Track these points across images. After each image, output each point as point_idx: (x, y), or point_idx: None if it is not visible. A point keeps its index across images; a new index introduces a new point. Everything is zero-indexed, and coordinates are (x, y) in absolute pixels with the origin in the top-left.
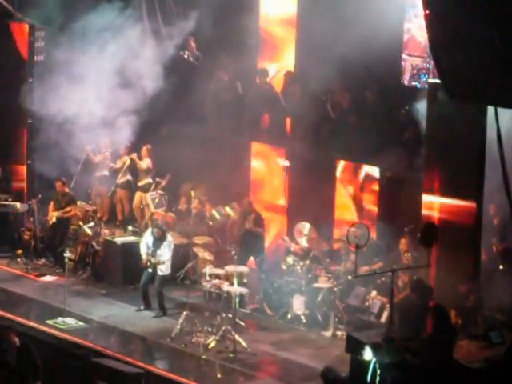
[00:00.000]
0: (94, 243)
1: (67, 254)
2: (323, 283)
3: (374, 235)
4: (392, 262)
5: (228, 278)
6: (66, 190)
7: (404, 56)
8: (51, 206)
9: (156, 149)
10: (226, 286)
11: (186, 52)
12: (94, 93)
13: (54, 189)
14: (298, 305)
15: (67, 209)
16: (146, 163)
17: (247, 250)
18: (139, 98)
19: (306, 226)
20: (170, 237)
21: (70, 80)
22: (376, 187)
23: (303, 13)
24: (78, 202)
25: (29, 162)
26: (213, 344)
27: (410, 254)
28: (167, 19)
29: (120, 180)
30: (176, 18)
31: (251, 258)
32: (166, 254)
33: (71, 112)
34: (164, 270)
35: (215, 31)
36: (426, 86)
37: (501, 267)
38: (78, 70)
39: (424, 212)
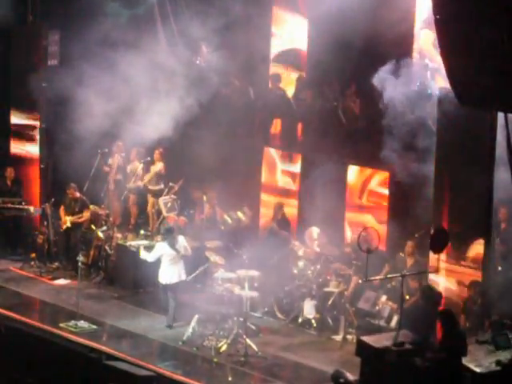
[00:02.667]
0: (106, 247)
1: (80, 258)
2: (334, 287)
3: (383, 242)
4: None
5: (239, 281)
6: (78, 195)
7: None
8: (62, 210)
9: (168, 153)
10: (237, 290)
11: (199, 57)
12: (107, 98)
13: (66, 193)
14: (309, 309)
15: (81, 215)
16: (158, 167)
17: (268, 252)
18: (152, 103)
19: (316, 231)
20: (181, 238)
21: (84, 84)
22: (386, 192)
23: (314, 17)
24: (91, 206)
25: (42, 165)
26: (224, 347)
27: (414, 258)
28: (180, 25)
29: (131, 185)
30: (189, 23)
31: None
32: (186, 248)
33: (85, 116)
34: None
35: (227, 36)
36: (437, 91)
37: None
38: (92, 74)
39: (434, 216)
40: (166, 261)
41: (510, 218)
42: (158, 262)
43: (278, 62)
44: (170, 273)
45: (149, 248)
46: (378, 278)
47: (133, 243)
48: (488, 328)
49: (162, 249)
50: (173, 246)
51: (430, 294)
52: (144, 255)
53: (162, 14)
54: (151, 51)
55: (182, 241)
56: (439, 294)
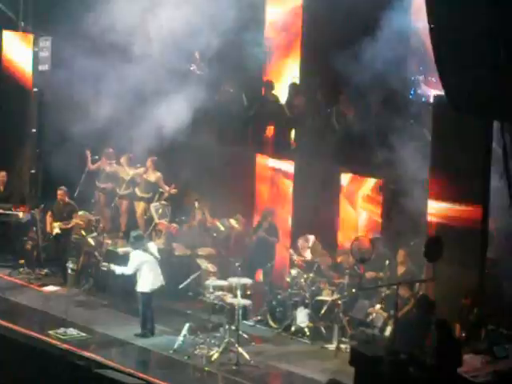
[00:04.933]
0: (96, 253)
1: (70, 265)
2: (327, 296)
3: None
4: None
5: (231, 289)
6: (67, 199)
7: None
8: (49, 215)
9: (160, 160)
10: (229, 298)
11: (192, 64)
12: (98, 103)
13: (56, 199)
14: (302, 317)
15: (70, 220)
16: (155, 177)
17: (257, 258)
18: (144, 110)
19: (309, 239)
20: (151, 244)
21: (76, 89)
22: (380, 199)
23: (309, 22)
24: (81, 212)
25: (32, 171)
26: (216, 356)
27: (405, 267)
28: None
29: (123, 191)
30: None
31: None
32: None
33: (76, 121)
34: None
35: (220, 43)
36: (432, 99)
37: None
38: (83, 78)
39: (429, 221)
40: (145, 268)
41: (503, 227)
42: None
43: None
44: (152, 279)
45: (119, 259)
46: (371, 287)
47: (123, 249)
48: (485, 338)
49: (139, 257)
50: (147, 251)
51: (426, 304)
52: (120, 270)
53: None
54: (143, 57)
55: (152, 246)
56: (433, 304)
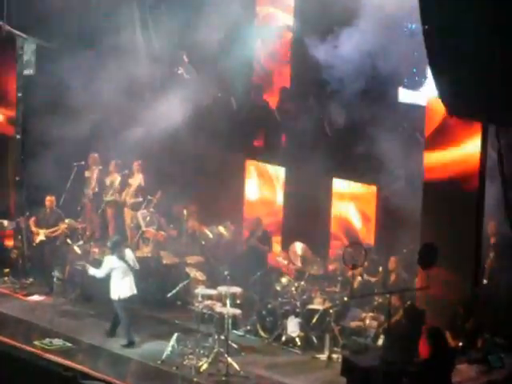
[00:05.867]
0: (82, 262)
1: (55, 274)
2: (318, 305)
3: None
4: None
5: (221, 298)
6: (54, 207)
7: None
8: (32, 222)
9: (147, 165)
10: (218, 307)
11: (180, 68)
12: (84, 108)
13: (42, 206)
14: (293, 327)
15: (56, 228)
16: (138, 180)
17: (247, 266)
18: (131, 115)
19: (300, 246)
20: (128, 250)
21: (60, 94)
22: (373, 205)
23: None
24: (67, 220)
25: (17, 178)
26: (205, 366)
27: (396, 275)
28: (160, 35)
29: (109, 198)
30: (169, 33)
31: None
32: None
33: (61, 127)
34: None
35: (209, 46)
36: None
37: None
38: (68, 84)
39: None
40: (116, 275)
41: (499, 232)
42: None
43: None
44: (122, 287)
45: (95, 263)
46: (363, 295)
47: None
48: (481, 347)
49: (111, 263)
50: (122, 258)
51: (414, 314)
52: (92, 271)
53: (142, 22)
54: (130, 60)
55: (129, 253)
56: (422, 312)
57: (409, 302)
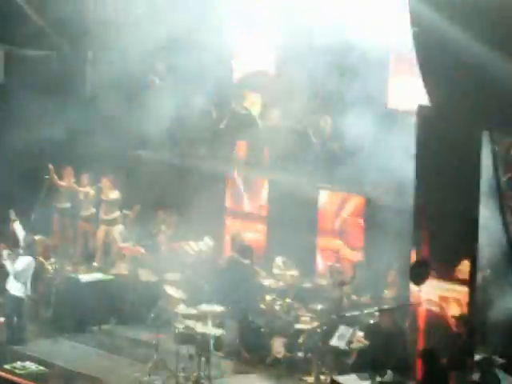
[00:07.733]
0: (55, 281)
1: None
2: (305, 324)
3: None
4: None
5: (202, 318)
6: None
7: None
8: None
9: (122, 178)
10: (199, 327)
11: (155, 76)
12: (54, 118)
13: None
14: (278, 347)
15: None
16: (114, 194)
17: (230, 283)
18: (104, 123)
19: (285, 262)
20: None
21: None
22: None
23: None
24: (37, 237)
25: None
26: None
27: (394, 290)
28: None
29: (84, 212)
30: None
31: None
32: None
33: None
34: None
35: (185, 54)
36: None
37: None
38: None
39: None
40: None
41: (493, 242)
42: None
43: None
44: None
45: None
46: (351, 314)
47: (85, 276)
48: (477, 367)
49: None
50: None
51: (376, 332)
52: (10, 268)
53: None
54: (105, 68)
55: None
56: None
57: (372, 321)
